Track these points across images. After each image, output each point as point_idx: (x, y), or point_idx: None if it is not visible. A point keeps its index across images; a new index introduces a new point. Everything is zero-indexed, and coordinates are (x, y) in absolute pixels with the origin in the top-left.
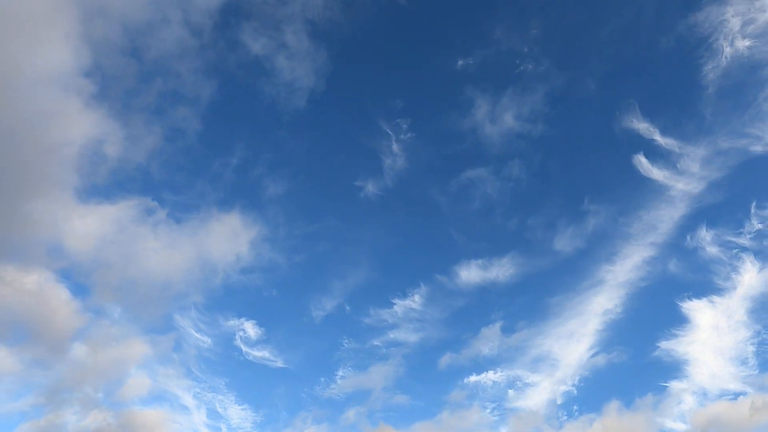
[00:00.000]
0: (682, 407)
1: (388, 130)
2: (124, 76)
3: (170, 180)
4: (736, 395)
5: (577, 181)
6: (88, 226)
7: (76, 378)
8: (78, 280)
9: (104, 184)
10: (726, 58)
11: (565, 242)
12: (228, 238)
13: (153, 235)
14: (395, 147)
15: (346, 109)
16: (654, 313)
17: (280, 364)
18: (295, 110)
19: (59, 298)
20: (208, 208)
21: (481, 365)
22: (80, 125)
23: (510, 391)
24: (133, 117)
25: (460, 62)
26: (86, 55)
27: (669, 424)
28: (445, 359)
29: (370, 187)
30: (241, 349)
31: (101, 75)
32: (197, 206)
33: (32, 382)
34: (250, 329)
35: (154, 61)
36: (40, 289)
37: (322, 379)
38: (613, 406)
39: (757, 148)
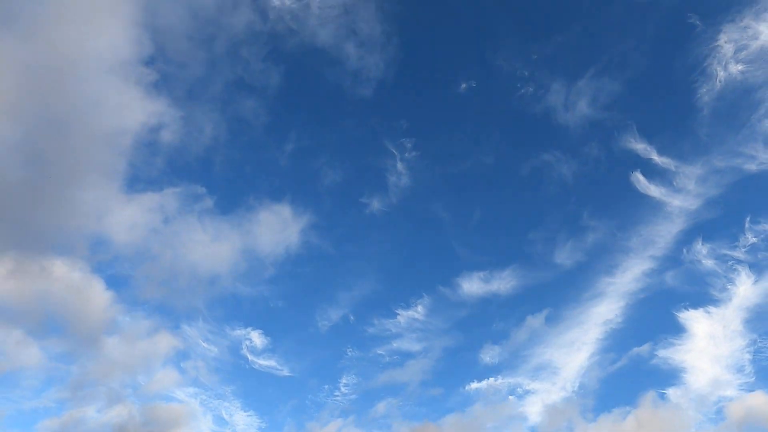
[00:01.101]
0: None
1: (393, 150)
2: (189, 63)
3: (220, 169)
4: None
5: (576, 197)
6: (132, 216)
7: (102, 372)
8: (115, 272)
9: (154, 175)
10: (720, 81)
11: (565, 255)
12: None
13: (198, 226)
14: (400, 165)
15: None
16: (652, 322)
17: (286, 372)
18: None
19: (94, 291)
20: (259, 199)
21: (482, 373)
22: (137, 114)
23: (510, 397)
24: (195, 105)
25: (463, 85)
26: (148, 43)
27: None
28: (447, 367)
29: (376, 204)
30: (248, 358)
31: (164, 63)
32: (245, 198)
33: (56, 377)
34: (257, 338)
35: (221, 48)
36: (75, 280)
37: (326, 387)
38: (612, 410)
39: (751, 167)
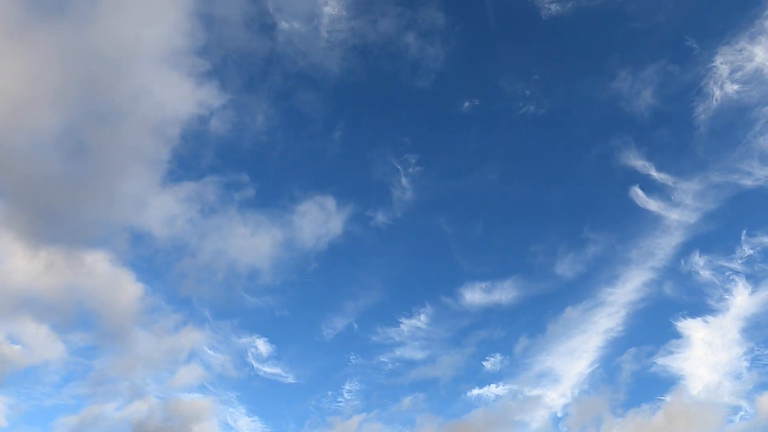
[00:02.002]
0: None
1: (397, 165)
2: (244, 54)
3: (261, 162)
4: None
5: (576, 211)
6: (170, 208)
7: (124, 367)
8: (147, 265)
9: (198, 166)
10: (716, 100)
11: (566, 267)
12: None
13: (237, 219)
14: (404, 180)
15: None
16: (652, 331)
17: (291, 380)
18: None
19: (124, 284)
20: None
21: (483, 380)
22: (187, 104)
23: (512, 403)
24: (247, 96)
25: (466, 104)
26: (203, 33)
27: None
28: (449, 374)
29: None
30: (253, 365)
31: (219, 53)
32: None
33: (77, 372)
34: (262, 346)
35: (280, 38)
36: (106, 273)
37: (330, 393)
38: (612, 417)
39: (747, 182)
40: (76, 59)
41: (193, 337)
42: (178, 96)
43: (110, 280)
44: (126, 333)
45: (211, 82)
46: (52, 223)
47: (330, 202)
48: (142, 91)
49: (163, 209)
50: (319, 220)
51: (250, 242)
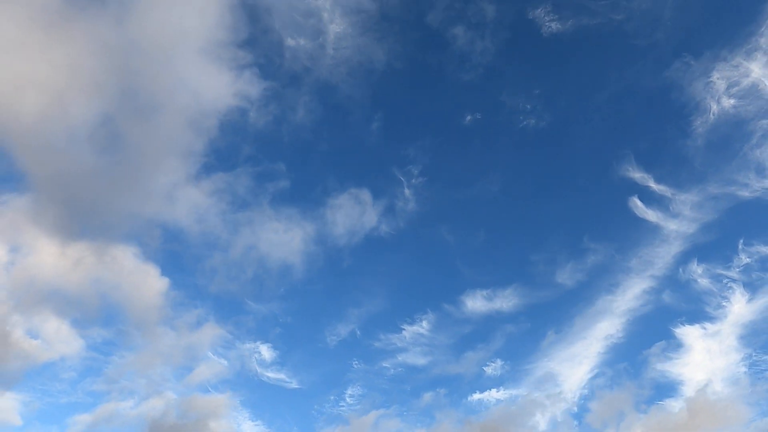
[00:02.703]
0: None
1: (401, 177)
2: (287, 46)
3: (297, 155)
4: None
5: (576, 221)
6: (202, 203)
7: (143, 363)
8: (173, 260)
9: (232, 159)
10: (714, 114)
11: (566, 275)
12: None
13: (267, 214)
14: (407, 191)
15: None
16: (651, 338)
17: (294, 385)
18: None
19: (148, 278)
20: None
21: (484, 384)
22: (226, 97)
23: (512, 408)
24: (289, 88)
25: (468, 117)
26: (245, 25)
27: None
28: (450, 379)
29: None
30: (257, 371)
31: (261, 45)
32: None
33: (94, 367)
34: (266, 352)
35: (330, 30)
36: (130, 268)
37: (332, 397)
38: (612, 421)
39: (744, 194)
40: (115, 51)
41: (212, 334)
42: (216, 88)
43: (135, 275)
44: (146, 328)
45: (251, 74)
46: (82, 217)
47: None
48: (181, 83)
49: (194, 203)
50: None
51: (282, 238)
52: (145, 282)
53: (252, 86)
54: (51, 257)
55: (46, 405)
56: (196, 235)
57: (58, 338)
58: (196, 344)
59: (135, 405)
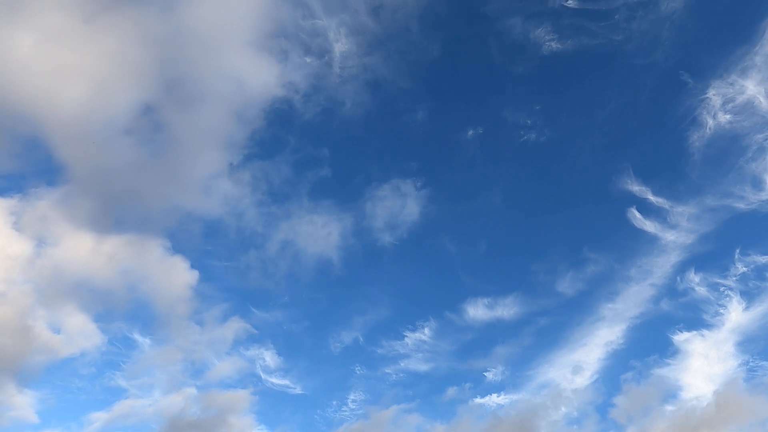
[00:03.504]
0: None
1: (404, 188)
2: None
3: (341, 149)
4: None
5: (576, 232)
6: (239, 194)
7: (165, 357)
8: (202, 252)
9: (275, 150)
10: (710, 129)
11: (566, 284)
12: None
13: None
14: (410, 203)
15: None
16: (651, 344)
17: (298, 391)
18: None
19: (176, 272)
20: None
21: (486, 389)
22: (270, 86)
23: (513, 413)
24: (334, 78)
25: (471, 132)
26: (289, 16)
27: None
28: (452, 384)
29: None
30: (260, 376)
31: (307, 35)
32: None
33: (114, 362)
34: (269, 358)
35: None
36: (159, 260)
37: (334, 402)
38: (612, 426)
39: (740, 206)
40: (159, 41)
41: (238, 327)
42: (262, 78)
43: (164, 268)
44: (171, 322)
45: (296, 65)
46: (115, 209)
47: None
48: (226, 73)
49: (232, 194)
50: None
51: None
52: (174, 275)
53: (299, 75)
54: (80, 250)
55: (64, 402)
56: (231, 228)
57: (80, 332)
58: (219, 339)
59: (154, 401)
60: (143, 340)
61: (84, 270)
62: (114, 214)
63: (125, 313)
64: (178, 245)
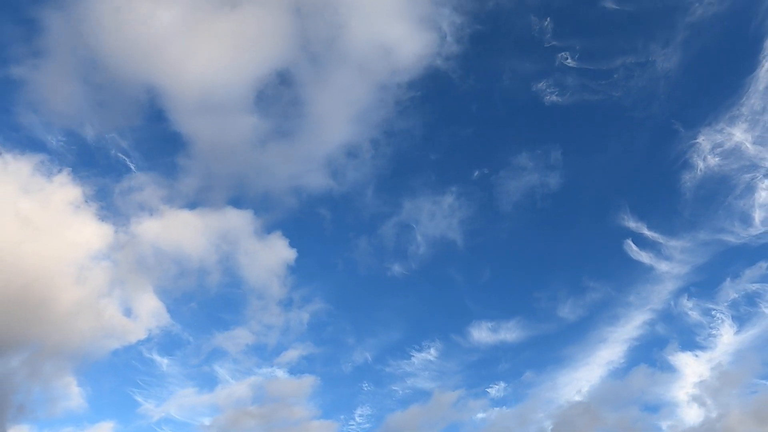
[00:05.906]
0: None
1: (412, 224)
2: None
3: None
4: None
5: (576, 262)
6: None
7: (235, 343)
8: (305, 232)
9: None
10: (700, 171)
11: (567, 310)
12: None
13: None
14: (418, 237)
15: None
16: (648, 364)
17: None
18: None
19: (277, 248)
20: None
21: (489, 404)
22: (415, 57)
23: (516, 427)
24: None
25: (476, 173)
26: None
27: None
28: (457, 400)
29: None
30: None
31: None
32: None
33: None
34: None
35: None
36: (256, 238)
37: (342, 417)
38: None
39: (731, 239)
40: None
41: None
42: (407, 47)
43: (261, 246)
44: (256, 303)
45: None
46: (230, 185)
47: None
48: (369, 41)
49: (348, 168)
50: None
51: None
52: (270, 254)
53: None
54: (177, 226)
55: (117, 394)
56: (344, 202)
57: (152, 316)
58: (295, 323)
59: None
60: (216, 324)
61: (176, 247)
62: (228, 193)
63: (211, 294)
64: (280, 222)
